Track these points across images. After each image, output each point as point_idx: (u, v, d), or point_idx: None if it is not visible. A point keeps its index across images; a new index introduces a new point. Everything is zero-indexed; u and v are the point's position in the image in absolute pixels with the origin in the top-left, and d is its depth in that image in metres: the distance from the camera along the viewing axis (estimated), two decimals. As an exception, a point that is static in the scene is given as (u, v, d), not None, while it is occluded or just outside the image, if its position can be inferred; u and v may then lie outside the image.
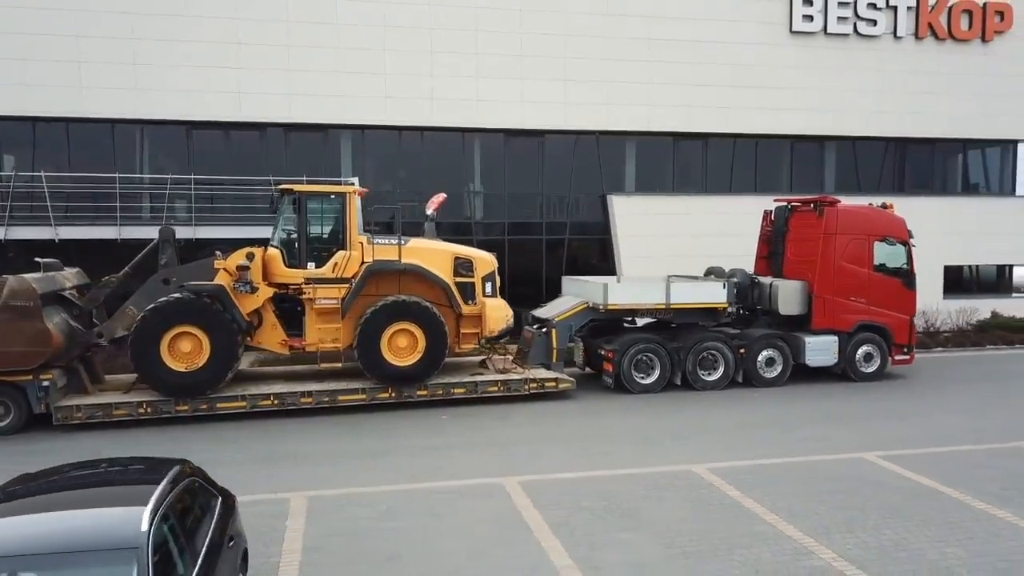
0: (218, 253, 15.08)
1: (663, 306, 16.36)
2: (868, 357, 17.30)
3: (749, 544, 8.34)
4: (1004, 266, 26.51)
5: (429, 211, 16.19)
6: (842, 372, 17.18)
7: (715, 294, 16.66)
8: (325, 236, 14.86)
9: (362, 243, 14.85)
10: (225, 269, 14.18)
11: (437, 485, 10.41)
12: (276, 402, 14.11)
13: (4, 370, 12.81)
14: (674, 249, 22.34)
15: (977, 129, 25.51)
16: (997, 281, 26.50)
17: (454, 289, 15.06)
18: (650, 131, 23.39)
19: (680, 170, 24.21)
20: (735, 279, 17.05)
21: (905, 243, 17.28)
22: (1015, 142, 26.35)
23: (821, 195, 18.44)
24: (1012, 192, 26.46)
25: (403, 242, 15.00)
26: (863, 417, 14.22)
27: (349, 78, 21.13)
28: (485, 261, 15.61)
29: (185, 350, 13.61)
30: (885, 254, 17.25)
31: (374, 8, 21.11)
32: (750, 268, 18.66)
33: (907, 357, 17.61)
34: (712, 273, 18.36)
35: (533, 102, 22.32)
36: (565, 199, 23.55)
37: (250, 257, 14.34)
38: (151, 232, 18.95)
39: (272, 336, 14.72)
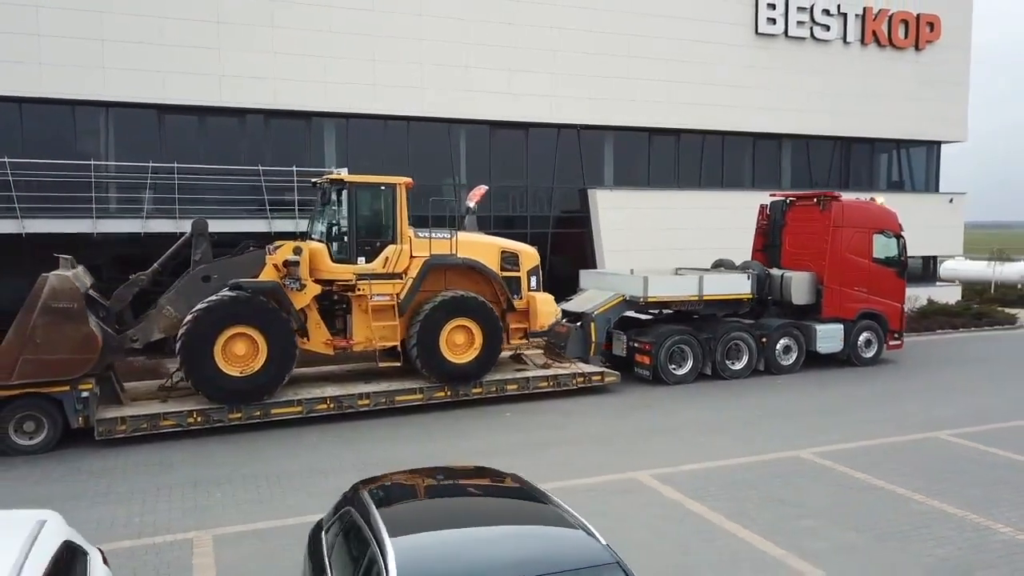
0: (251, 247, 14.06)
1: (696, 298, 16.71)
2: (868, 343, 18.38)
3: (925, 524, 8.68)
4: (929, 257, 28.78)
5: (471, 203, 15.71)
6: (846, 358, 18.14)
7: (741, 286, 17.18)
8: (375, 229, 14.09)
9: (410, 237, 14.24)
10: (275, 265, 13.19)
11: (572, 483, 10.14)
12: (332, 406, 13.28)
13: (42, 380, 11.34)
14: (654, 242, 22.85)
15: (908, 130, 27.56)
16: (923, 271, 28.73)
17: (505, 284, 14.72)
18: (628, 126, 23.72)
19: (655, 165, 24.68)
20: (754, 271, 17.59)
21: (899, 235, 18.46)
22: (939, 143, 28.70)
23: (822, 190, 19.35)
24: (936, 189, 28.80)
25: (449, 236, 14.50)
26: (909, 397, 15.11)
27: (336, 63, 20.12)
28: (530, 255, 15.36)
29: (239, 353, 12.57)
30: (882, 246, 18.35)
31: (362, -9, 20.22)
32: (735, 260, 19.50)
33: (899, 342, 18.86)
34: (722, 265, 18.90)
35: (519, 94, 22.10)
36: (548, 192, 23.48)
37: (298, 251, 13.40)
38: (129, 226, 17.52)
39: (317, 336, 13.83)
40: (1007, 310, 26.72)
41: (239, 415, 12.63)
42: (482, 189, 16.26)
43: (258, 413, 12.76)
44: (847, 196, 19.48)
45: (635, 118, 23.57)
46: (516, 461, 10.78)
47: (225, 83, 19.26)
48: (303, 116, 20.57)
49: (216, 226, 18.16)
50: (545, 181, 23.31)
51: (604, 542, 4.55)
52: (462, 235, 14.79)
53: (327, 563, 5.06)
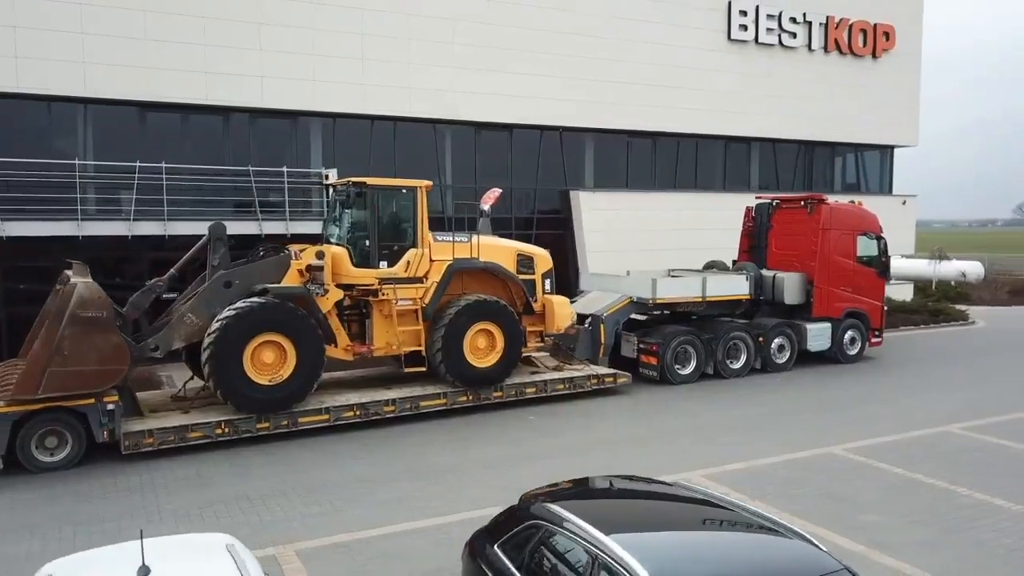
0: (261, 251, 13.71)
1: (700, 299, 17.09)
2: (852, 341, 19.14)
3: (980, 515, 9.15)
4: (883, 256, 30.02)
5: (485, 207, 15.64)
6: (833, 355, 18.83)
7: (740, 287, 17.66)
8: (397, 233, 13.90)
9: (429, 241, 14.12)
10: (299, 270, 12.88)
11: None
12: (359, 413, 13.05)
13: (70, 394, 10.79)
14: (635, 243, 23.17)
15: (865, 135, 28.74)
16: (877, 269, 29.92)
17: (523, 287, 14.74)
18: (608, 128, 24.00)
19: (633, 167, 25.04)
20: (751, 273, 18.07)
21: (880, 237, 19.25)
22: (892, 147, 30.02)
23: (809, 194, 19.99)
24: (890, 191, 30.12)
25: (468, 239, 14.45)
26: (904, 393, 15.79)
27: (324, 62, 19.70)
28: (544, 258, 15.42)
29: (268, 361, 12.22)
30: (864, 247, 19.12)
31: (351, -11, 19.85)
32: (714, 259, 20.08)
33: (879, 339, 19.69)
34: (715, 266, 19.34)
35: (503, 95, 22.09)
36: (532, 193, 23.55)
37: (320, 256, 13.12)
38: (115, 228, 16.79)
39: (337, 341, 13.55)
40: (956, 307, 28.13)
41: (267, 425, 12.29)
42: (496, 192, 16.23)
43: (286, 422, 12.44)
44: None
45: (614, 121, 23.86)
46: (565, 463, 10.90)
47: (210, 80, 18.63)
48: (290, 115, 20.08)
49: (201, 228, 17.77)
50: (528, 182, 23.38)
51: (824, 548, 4.67)
52: (480, 239, 14.73)
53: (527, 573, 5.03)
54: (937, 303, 26.99)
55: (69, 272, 13.37)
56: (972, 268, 39.09)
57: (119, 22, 17.64)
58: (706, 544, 4.67)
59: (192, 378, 12.29)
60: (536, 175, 23.40)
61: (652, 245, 23.33)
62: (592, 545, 4.62)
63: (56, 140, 18.19)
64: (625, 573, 4.28)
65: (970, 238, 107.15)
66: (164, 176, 17.11)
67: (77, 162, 16.57)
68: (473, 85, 21.58)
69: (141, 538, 4.57)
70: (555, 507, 5.22)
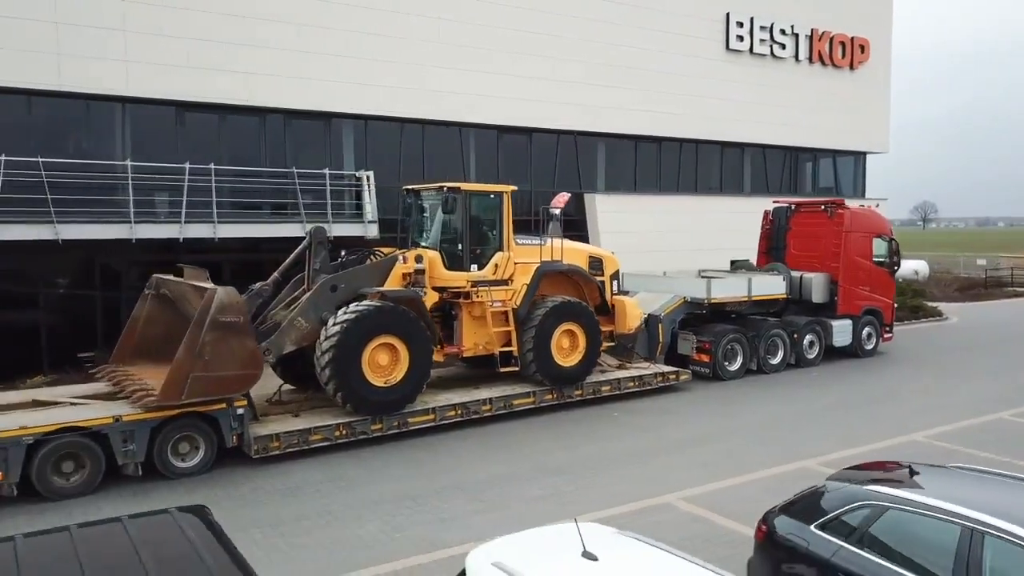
0: (342, 256, 13.84)
1: (746, 298, 17.96)
2: (869, 336, 20.41)
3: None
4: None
5: (555, 210, 16.04)
6: (852, 350, 20.04)
7: (779, 286, 18.63)
8: (486, 237, 14.21)
9: (512, 244, 14.49)
10: (403, 273, 13.07)
11: (775, 472, 10.96)
12: (460, 412, 13.32)
13: (208, 399, 10.72)
14: (648, 245, 23.95)
15: (843, 141, 30.43)
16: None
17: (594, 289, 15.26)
18: (617, 133, 24.75)
19: (640, 171, 25.86)
20: (785, 273, 19.06)
21: (892, 239, 20.59)
22: (864, 154, 31.86)
23: (830, 198, 21.17)
24: (863, 195, 31.92)
25: (544, 242, 14.89)
26: (941, 382, 17.03)
27: (358, 64, 19.71)
28: (612, 260, 15.98)
29: (382, 363, 12.37)
30: (878, 248, 20.41)
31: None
32: (724, 261, 21.13)
33: (891, 335, 21.04)
34: (743, 267, 20.29)
35: (523, 100, 22.53)
36: (550, 196, 23.96)
37: (419, 260, 13.34)
38: (168, 231, 16.51)
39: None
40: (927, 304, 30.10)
41: (380, 426, 12.42)
42: (565, 196, 16.65)
43: (397, 423, 12.60)
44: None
45: (624, 126, 24.62)
46: (686, 457, 11.52)
47: (250, 81, 18.41)
48: (324, 117, 20.00)
49: (258, 231, 17.69)
50: (547, 184, 23.82)
51: None
52: (556, 242, 15.17)
53: (865, 551, 5.56)
54: (913, 300, 28.79)
55: (158, 275, 13.24)
56: (920, 267, 41.70)
57: (160, 20, 17.28)
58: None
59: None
60: (554, 177, 23.89)
61: (660, 246, 24.13)
62: (965, 522, 5.19)
63: (95, 140, 17.68)
64: (1019, 543, 4.88)
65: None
66: (213, 178, 16.92)
67: (129, 163, 16.20)
68: (496, 89, 21.94)
69: (576, 523, 4.90)
70: (890, 490, 5.77)
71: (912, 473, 6.10)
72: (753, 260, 20.96)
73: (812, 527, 6.05)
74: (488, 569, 4.75)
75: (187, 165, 16.64)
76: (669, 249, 23.91)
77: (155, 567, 3.53)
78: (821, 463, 11.50)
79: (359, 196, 19.42)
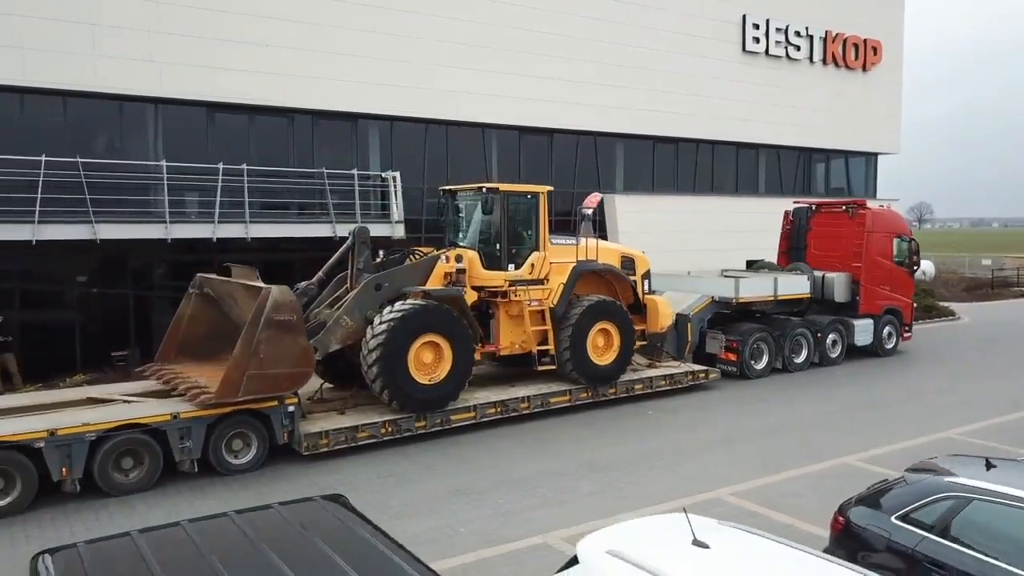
0: (380, 256, 14.01)
1: (772, 298, 18.17)
2: (889, 335, 20.64)
3: None
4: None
5: (587, 211, 16.21)
6: (873, 349, 20.26)
7: (803, 286, 18.85)
8: (523, 236, 14.40)
9: (548, 243, 14.67)
10: (445, 272, 13.25)
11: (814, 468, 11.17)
12: (499, 410, 13.50)
13: (263, 397, 10.89)
14: (668, 244, 24.11)
15: (855, 142, 30.68)
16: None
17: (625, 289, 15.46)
18: (636, 134, 24.96)
19: (658, 171, 26.07)
20: (809, 273, 19.28)
21: (911, 239, 20.82)
22: (876, 155, 32.11)
23: (851, 199, 21.39)
24: (874, 195, 32.16)
25: (578, 242, 15.08)
26: (966, 380, 17.27)
27: (384, 66, 19.88)
28: (643, 259, 16.17)
29: (426, 361, 12.55)
30: (899, 248, 20.64)
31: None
32: (739, 261, 21.35)
33: (910, 334, 21.27)
34: (764, 267, 20.50)
35: (543, 100, 22.71)
36: (570, 196, 24.18)
37: (459, 259, 13.53)
38: (203, 231, 16.65)
39: (475, 342, 13.95)
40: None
41: (424, 423, 12.61)
42: (597, 197, 16.81)
43: (439, 421, 12.78)
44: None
45: (642, 127, 24.83)
46: (727, 455, 11.75)
47: (278, 82, 18.56)
48: (350, 118, 20.16)
49: (288, 231, 17.84)
50: (567, 185, 24.01)
51: None
52: (588, 241, 15.34)
53: (950, 542, 5.76)
54: (925, 300, 29.03)
55: (202, 274, 13.39)
56: (927, 267, 41.93)
57: (192, 21, 17.42)
58: None
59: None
60: (574, 178, 24.08)
61: (677, 246, 24.30)
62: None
63: (129, 140, 17.81)
64: None
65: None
66: (246, 178, 17.08)
67: (164, 164, 16.33)
68: (517, 90, 22.11)
69: (686, 514, 5.09)
70: (974, 482, 5.96)
71: (989, 466, 6.28)
72: (766, 259, 21.15)
73: (893, 518, 6.25)
74: (603, 557, 4.92)
75: (221, 166, 16.80)
76: (685, 249, 24.09)
77: (326, 544, 3.73)
78: (861, 459, 11.73)
79: (383, 196, 19.63)
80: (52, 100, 16.62)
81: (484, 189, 13.97)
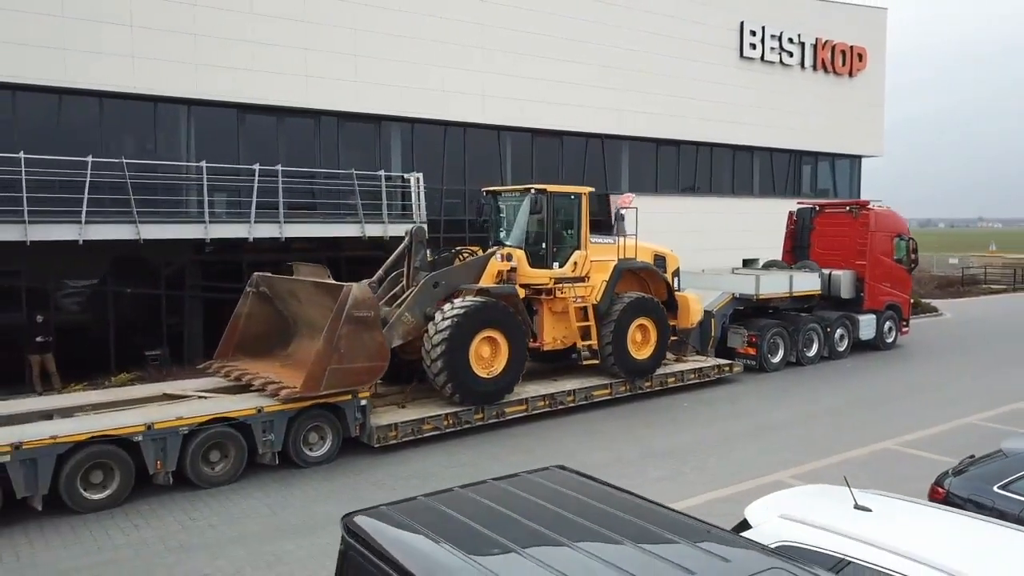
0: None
1: (787, 294, 18.98)
2: (890, 330, 21.65)
3: None
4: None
5: (621, 210, 16.81)
6: (875, 344, 21.23)
7: (815, 283, 19.71)
8: (566, 236, 14.96)
9: (588, 242, 15.25)
10: (498, 271, 13.75)
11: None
12: (548, 403, 14.04)
13: (342, 390, 11.28)
14: (668, 244, 24.91)
15: (842, 145, 31.84)
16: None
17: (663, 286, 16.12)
18: (640, 136, 25.67)
19: (661, 173, 26.82)
20: (818, 271, 20.16)
21: (910, 238, 21.84)
22: (860, 157, 33.32)
23: (854, 200, 22.33)
24: (859, 197, 33.34)
25: (616, 241, 15.69)
26: (968, 372, 18.25)
27: (408, 68, 20.29)
28: (673, 257, 16.86)
29: (484, 355, 13.04)
30: (898, 247, 21.65)
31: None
32: (736, 260, 22.29)
33: (907, 329, 22.31)
34: (775, 266, 21.34)
35: (554, 104, 23.31)
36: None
37: (508, 258, 14.03)
38: (239, 231, 16.89)
39: (526, 337, 14.46)
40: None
41: (481, 416, 13.09)
42: (630, 196, 17.43)
43: (495, 413, 13.27)
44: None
45: (646, 129, 25.56)
46: (773, 442, 12.52)
47: (308, 84, 18.87)
48: (374, 120, 20.51)
49: (321, 231, 18.15)
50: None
51: None
52: (630, 240, 15.91)
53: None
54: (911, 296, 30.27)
55: (259, 273, 13.69)
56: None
57: (225, 24, 17.66)
58: None
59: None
60: (583, 179, 24.65)
61: (679, 246, 25.03)
62: None
63: (162, 141, 17.97)
64: None
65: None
66: (280, 179, 17.34)
67: (204, 164, 16.54)
68: (531, 94, 22.67)
69: (847, 483, 5.69)
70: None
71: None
72: (762, 258, 22.02)
73: (995, 487, 6.92)
74: (775, 520, 5.51)
75: (256, 167, 17.04)
76: (686, 249, 24.73)
77: (590, 499, 4.28)
78: (899, 444, 12.52)
79: (404, 197, 20.02)
80: (89, 101, 16.72)
81: (532, 190, 14.49)
